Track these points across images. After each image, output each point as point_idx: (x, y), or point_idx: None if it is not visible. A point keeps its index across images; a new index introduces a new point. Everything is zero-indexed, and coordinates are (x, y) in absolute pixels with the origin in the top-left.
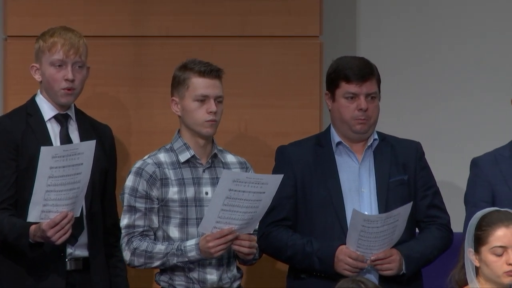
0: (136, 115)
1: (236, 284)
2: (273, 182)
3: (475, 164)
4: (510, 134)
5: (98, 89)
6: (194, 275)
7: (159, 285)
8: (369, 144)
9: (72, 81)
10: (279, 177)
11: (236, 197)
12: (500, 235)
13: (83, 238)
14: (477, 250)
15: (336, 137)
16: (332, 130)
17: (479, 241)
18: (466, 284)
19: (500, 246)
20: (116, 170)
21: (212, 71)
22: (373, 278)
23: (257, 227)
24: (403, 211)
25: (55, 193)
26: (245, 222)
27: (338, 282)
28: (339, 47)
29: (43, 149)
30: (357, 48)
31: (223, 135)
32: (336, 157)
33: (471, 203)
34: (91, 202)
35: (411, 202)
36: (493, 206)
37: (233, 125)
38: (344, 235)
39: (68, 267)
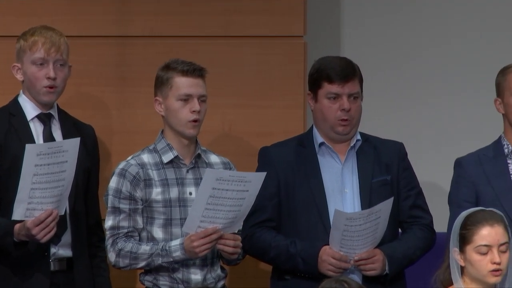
0: (120, 115)
1: (220, 284)
2: (256, 180)
3: (459, 164)
4: (493, 135)
5: (82, 89)
6: (179, 275)
7: (144, 285)
8: (352, 144)
9: (54, 79)
10: (262, 175)
11: (220, 195)
12: (485, 234)
13: (67, 237)
14: (462, 250)
15: (318, 138)
16: (315, 130)
17: (464, 241)
18: (451, 284)
19: (485, 245)
20: (99, 170)
21: (195, 70)
22: (356, 278)
23: (241, 227)
24: (385, 207)
25: (40, 191)
26: (229, 221)
27: (322, 282)
28: (323, 47)
29: (28, 146)
30: (341, 48)
31: (207, 135)
32: (319, 157)
33: (455, 204)
34: (74, 201)
35: (392, 198)
36: (477, 206)
37: (217, 125)
38: (327, 235)
39: (52, 268)
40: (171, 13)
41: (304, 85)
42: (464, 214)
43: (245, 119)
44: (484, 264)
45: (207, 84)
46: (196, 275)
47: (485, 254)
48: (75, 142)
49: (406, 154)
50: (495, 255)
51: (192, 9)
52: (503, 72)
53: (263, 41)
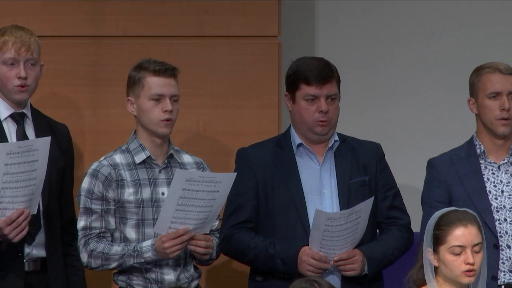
0: (94, 115)
1: (194, 283)
2: (226, 180)
3: (431, 165)
4: (466, 135)
5: (56, 88)
6: (152, 275)
7: (117, 284)
8: (329, 145)
9: (25, 78)
10: (233, 175)
11: (190, 196)
12: (458, 234)
13: (40, 237)
14: (435, 250)
15: (296, 139)
16: (293, 131)
17: (437, 241)
18: (425, 284)
19: (458, 246)
20: (74, 168)
21: (167, 70)
22: (336, 278)
23: (214, 227)
24: (365, 207)
25: (10, 190)
26: (200, 221)
27: (292, 282)
28: (298, 47)
29: None
30: (316, 48)
31: (181, 135)
32: (297, 158)
33: (427, 204)
34: (48, 200)
35: (372, 197)
36: (450, 206)
37: (191, 125)
38: (307, 235)
39: (26, 268)
40: (145, 13)
41: (278, 85)
42: (437, 214)
43: (220, 119)
44: (457, 264)
45: (181, 84)
46: (169, 275)
47: (458, 254)
48: (45, 141)
49: (383, 154)
50: (468, 255)
51: (166, 9)
52: (477, 72)
53: (237, 41)
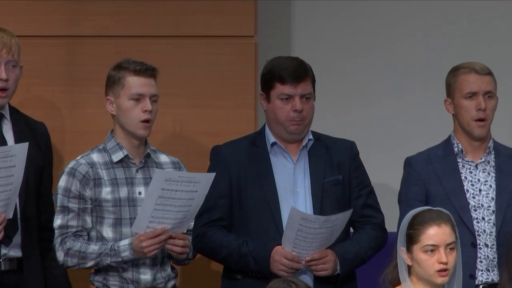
0: (71, 115)
1: (170, 283)
2: (205, 180)
3: (409, 163)
4: (443, 134)
5: (33, 89)
6: (128, 275)
7: (93, 285)
8: (304, 144)
9: (6, 80)
10: (211, 176)
11: (169, 196)
12: (432, 233)
13: (17, 238)
14: (409, 249)
15: (271, 138)
16: (267, 130)
17: (411, 240)
18: (399, 283)
19: (432, 245)
20: (52, 167)
21: (147, 70)
22: (308, 278)
23: (191, 227)
24: (342, 218)
25: None
26: (178, 221)
27: (270, 282)
28: (274, 47)
29: None
30: (292, 48)
31: (158, 135)
32: (271, 157)
33: (404, 202)
34: (25, 202)
35: (351, 210)
36: (427, 205)
37: (168, 125)
38: (280, 235)
39: (2, 268)
40: (122, 13)
41: (255, 85)
42: (411, 213)
43: (196, 119)
44: (431, 264)
45: (158, 84)
46: (145, 275)
47: (432, 254)
48: (23, 147)
49: (357, 153)
50: (442, 255)
51: (143, 9)
52: (453, 73)
53: (214, 41)
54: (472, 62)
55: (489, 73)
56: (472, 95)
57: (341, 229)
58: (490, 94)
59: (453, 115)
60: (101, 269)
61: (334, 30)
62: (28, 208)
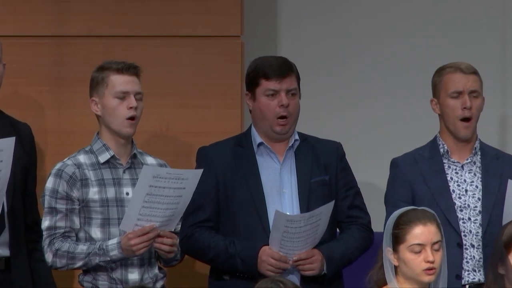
0: (57, 115)
1: (159, 284)
2: (193, 177)
3: (395, 164)
4: (429, 134)
5: (19, 88)
6: (117, 275)
7: (83, 286)
8: (290, 144)
9: None
10: (199, 172)
11: (157, 193)
12: (418, 233)
13: (4, 237)
14: (395, 249)
15: (257, 138)
16: (253, 130)
17: (397, 240)
18: (385, 283)
19: (418, 244)
20: (37, 168)
21: (130, 68)
22: (295, 278)
23: (178, 227)
24: (325, 210)
25: None
26: (166, 219)
27: (258, 282)
28: (260, 47)
29: None
30: (278, 48)
31: (144, 135)
32: (258, 157)
33: (391, 203)
34: (12, 200)
35: (333, 201)
36: (413, 205)
37: (155, 125)
38: (267, 235)
39: None
40: (108, 12)
41: (241, 85)
42: (396, 213)
43: (183, 119)
44: (417, 263)
45: (144, 84)
46: (133, 274)
47: (418, 253)
48: (10, 142)
49: (344, 154)
50: (428, 253)
51: (129, 9)
52: (439, 72)
53: (200, 41)
54: (457, 62)
55: (475, 72)
56: (458, 94)
57: (326, 223)
58: (475, 94)
59: (439, 115)
60: (90, 270)
61: (321, 30)
62: (16, 206)
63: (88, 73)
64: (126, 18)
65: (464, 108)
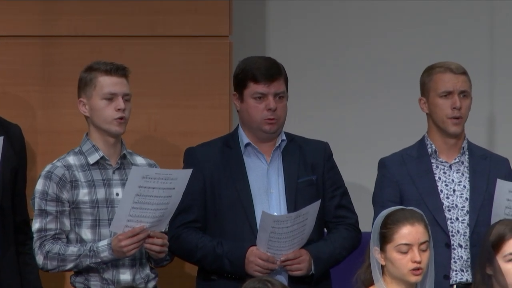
0: (46, 115)
1: (151, 284)
2: (182, 177)
3: (383, 164)
4: (417, 134)
5: (7, 88)
6: (108, 275)
7: (74, 286)
8: (277, 145)
9: None
10: (188, 172)
11: (146, 194)
12: (405, 233)
13: None
14: (382, 249)
15: (244, 138)
16: (241, 131)
17: (384, 240)
18: (372, 283)
19: (405, 244)
20: (27, 169)
21: (118, 69)
22: (283, 278)
23: (167, 228)
24: (312, 210)
25: None
26: (156, 219)
27: (245, 282)
28: (249, 47)
29: None
30: (266, 48)
31: (132, 135)
32: (245, 158)
33: (379, 204)
34: (1, 200)
35: (319, 200)
36: (401, 206)
37: (143, 125)
38: (254, 236)
39: None
40: (97, 12)
41: (229, 85)
42: (384, 213)
43: (171, 119)
44: (404, 263)
45: (132, 84)
46: (125, 275)
47: (405, 253)
48: None
49: (331, 154)
50: (415, 253)
51: (117, 8)
52: (428, 72)
53: (189, 41)
54: (447, 61)
55: (464, 73)
56: (447, 94)
57: (313, 222)
58: (465, 93)
59: (427, 114)
60: (81, 271)
61: (309, 30)
62: (5, 206)
63: (77, 73)
64: (114, 18)
65: (454, 108)
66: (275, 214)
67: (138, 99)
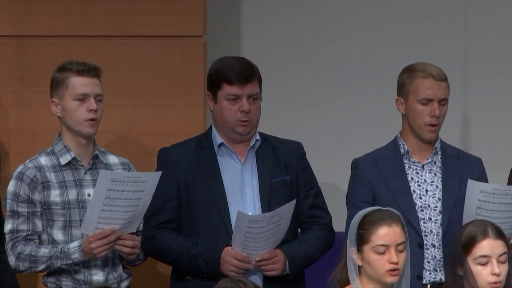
0: (19, 115)
1: (124, 284)
2: (152, 179)
3: (355, 165)
4: (390, 135)
5: None
6: (80, 276)
7: (47, 287)
8: (251, 145)
9: None
10: (158, 174)
11: (116, 196)
12: (382, 233)
13: None
14: (359, 249)
15: (218, 138)
16: (214, 131)
17: (361, 240)
18: (348, 283)
19: (383, 245)
20: (0, 168)
21: (90, 70)
22: (258, 279)
23: (140, 228)
24: (287, 209)
25: None
26: (126, 221)
27: (218, 282)
28: (223, 47)
29: None
30: (241, 48)
31: (106, 135)
32: (219, 158)
33: (352, 204)
34: None
35: (294, 200)
36: (374, 206)
37: (117, 125)
38: (229, 235)
39: None
40: (71, 12)
41: (204, 85)
42: (361, 213)
43: (145, 119)
44: (381, 263)
45: (107, 84)
46: (97, 276)
47: (382, 253)
48: None
49: (304, 153)
50: (392, 254)
51: (91, 8)
52: (409, 73)
53: (163, 41)
54: (427, 64)
55: (445, 79)
56: (428, 101)
57: (288, 222)
58: (444, 102)
59: (403, 114)
60: (54, 271)
61: (283, 31)
62: None
63: (50, 72)
64: (87, 18)
65: (433, 116)
66: (250, 214)
67: (112, 99)
